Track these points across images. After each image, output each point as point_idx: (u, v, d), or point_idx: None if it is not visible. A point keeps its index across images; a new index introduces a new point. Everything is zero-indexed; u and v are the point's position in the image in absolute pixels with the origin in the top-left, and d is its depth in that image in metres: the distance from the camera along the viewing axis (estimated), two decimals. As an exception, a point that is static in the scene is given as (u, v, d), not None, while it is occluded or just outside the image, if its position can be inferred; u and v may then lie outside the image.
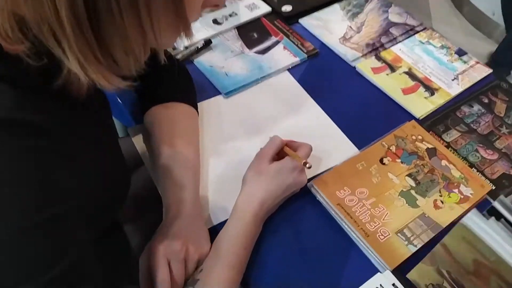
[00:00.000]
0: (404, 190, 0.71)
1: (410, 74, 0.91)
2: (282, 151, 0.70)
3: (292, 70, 0.91)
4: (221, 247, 0.61)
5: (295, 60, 0.91)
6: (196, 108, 0.77)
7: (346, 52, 0.94)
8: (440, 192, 0.71)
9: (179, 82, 0.77)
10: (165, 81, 0.75)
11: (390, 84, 0.88)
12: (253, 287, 0.62)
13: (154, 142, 0.71)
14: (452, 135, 0.81)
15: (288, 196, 0.68)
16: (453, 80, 0.91)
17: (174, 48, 0.90)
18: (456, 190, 0.72)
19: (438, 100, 0.87)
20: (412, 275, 0.61)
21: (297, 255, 0.65)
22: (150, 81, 0.74)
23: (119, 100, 0.82)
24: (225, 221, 0.64)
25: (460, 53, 0.96)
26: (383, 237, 0.65)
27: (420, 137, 0.78)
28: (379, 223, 0.67)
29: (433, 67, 0.93)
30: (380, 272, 0.62)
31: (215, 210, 0.69)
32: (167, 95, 0.74)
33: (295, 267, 0.64)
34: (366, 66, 0.92)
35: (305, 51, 0.93)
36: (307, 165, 0.65)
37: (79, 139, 0.48)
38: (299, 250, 0.66)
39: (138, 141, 0.77)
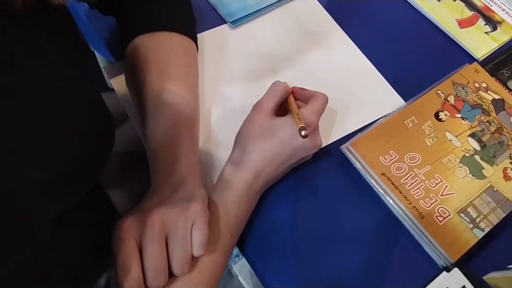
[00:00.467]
0: (467, 155, 0.55)
1: (467, 1, 0.71)
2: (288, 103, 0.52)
3: (317, -8, 0.70)
4: None
5: (321, -21, 0.70)
6: (195, 41, 0.57)
7: (387, -29, 0.73)
8: (510, 157, 0.55)
9: (172, 5, 0.56)
10: (152, 2, 0.55)
11: (443, 14, 0.69)
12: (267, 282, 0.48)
13: (138, 85, 0.52)
14: (520, 83, 0.64)
15: (295, 164, 0.51)
16: (519, 10, 0.71)
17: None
18: (530, 156, 0.56)
19: (502, 37, 0.68)
20: (495, 281, 0.46)
21: (322, 240, 0.50)
22: (132, 3, 0.55)
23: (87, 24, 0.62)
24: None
25: (527, -25, 0.76)
26: (442, 218, 0.50)
27: (484, 85, 0.61)
28: (436, 200, 0.51)
29: (495, -7, 0.73)
30: (441, 266, 0.48)
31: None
32: (155, 22, 0.54)
33: (319, 255, 0.49)
34: (411, -10, 0.71)
35: (334, -33, 0.72)
36: (302, 133, 0.45)
37: (23, 71, 0.31)
38: (326, 233, 0.51)
39: (118, 85, 0.59)
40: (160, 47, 0.53)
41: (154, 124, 0.50)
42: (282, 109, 0.52)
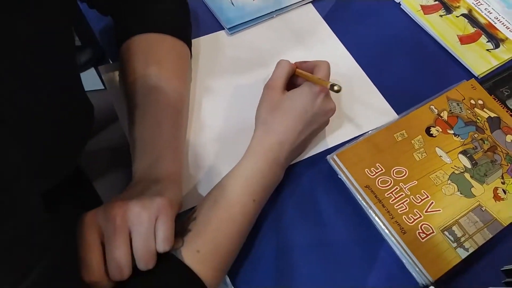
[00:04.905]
0: (456, 172, 0.53)
1: (470, 17, 0.70)
2: (295, 78, 0.55)
3: (317, 2, 0.70)
4: (224, 194, 0.46)
5: (322, -10, 0.70)
6: (189, 45, 0.58)
7: (389, -16, 0.73)
8: (502, 177, 0.54)
9: (170, 8, 0.57)
10: (149, 4, 0.56)
11: (444, 29, 0.68)
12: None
13: (129, 81, 0.53)
14: (520, 102, 0.62)
15: (316, 132, 0.55)
16: (524, 29, 0.70)
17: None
18: (524, 177, 0.54)
19: (504, 55, 0.67)
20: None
21: (305, 250, 0.49)
22: (130, 3, 0.56)
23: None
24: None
25: (535, -6, 0.75)
26: (424, 235, 0.49)
27: (480, 102, 0.60)
28: (420, 216, 0.50)
29: (500, 10, 0.72)
30: (421, 284, 0.47)
31: (209, 177, 0.53)
32: (150, 23, 0.55)
33: (299, 264, 0.49)
34: (414, 3, 0.71)
35: (337, -21, 0.72)
36: (335, 88, 0.48)
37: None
38: (310, 245, 0.50)
39: (111, 84, 0.60)
40: (153, 48, 0.54)
41: (140, 123, 0.50)
42: (289, 86, 0.54)
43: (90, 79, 0.74)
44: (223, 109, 0.58)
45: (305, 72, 0.54)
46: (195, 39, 0.64)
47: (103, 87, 0.65)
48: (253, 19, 0.66)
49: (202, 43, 0.64)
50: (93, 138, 0.76)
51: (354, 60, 0.64)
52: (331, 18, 0.69)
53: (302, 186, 0.54)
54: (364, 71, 0.63)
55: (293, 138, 0.50)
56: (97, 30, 0.65)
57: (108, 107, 0.62)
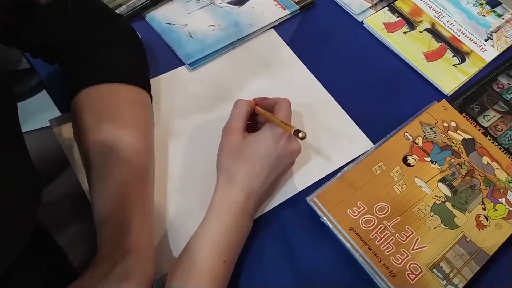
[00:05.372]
0: (438, 202, 0.52)
1: (434, 32, 0.70)
2: (255, 117, 0.53)
3: (279, 27, 0.67)
4: (191, 260, 0.43)
5: (283, 13, 0.68)
6: (148, 89, 0.53)
7: (351, 3, 0.71)
8: (483, 203, 0.53)
9: (121, 53, 0.52)
10: (100, 51, 0.51)
11: (410, 47, 0.67)
12: None
13: (83, 143, 0.48)
14: (490, 118, 0.62)
15: (282, 175, 0.52)
16: (486, 40, 0.70)
17: (115, -2, 0.64)
18: (503, 200, 0.54)
19: (470, 69, 0.66)
20: None
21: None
22: (77, 51, 0.51)
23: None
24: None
25: (493, 3, 0.75)
26: (414, 276, 0.47)
27: (453, 124, 0.59)
28: (407, 255, 0.48)
29: (462, 22, 0.72)
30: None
31: (178, 236, 0.49)
32: (100, 73, 0.50)
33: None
34: (377, 21, 0.69)
35: (297, 0, 0.69)
36: (300, 135, 0.45)
37: None
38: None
39: (62, 133, 0.55)
40: (105, 101, 0.49)
41: (101, 188, 0.46)
42: (249, 125, 0.53)
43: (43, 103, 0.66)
44: (189, 154, 0.55)
45: (265, 112, 0.51)
46: (155, 78, 0.59)
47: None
48: (214, 52, 0.62)
49: (162, 82, 0.60)
50: (49, 186, 0.70)
51: (322, 86, 0.62)
52: (294, 42, 0.66)
53: (283, 231, 0.51)
54: (333, 97, 0.61)
55: (259, 185, 0.47)
56: (44, 77, 0.59)
57: (57, 148, 0.56)
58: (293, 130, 0.45)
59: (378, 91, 0.63)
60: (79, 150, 0.52)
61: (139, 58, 0.54)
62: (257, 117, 0.53)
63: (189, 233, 0.46)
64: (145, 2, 0.64)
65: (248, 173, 0.47)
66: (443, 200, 0.53)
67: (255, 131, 0.51)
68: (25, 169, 0.39)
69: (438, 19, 0.71)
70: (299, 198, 0.53)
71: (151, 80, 0.55)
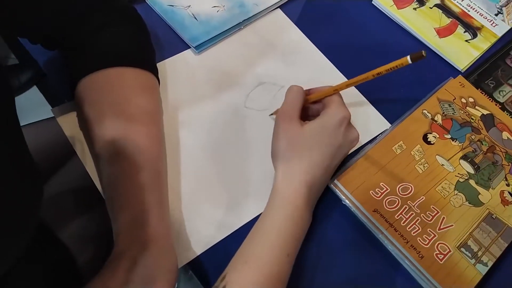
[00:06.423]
0: (461, 180, 0.51)
1: (444, 8, 0.68)
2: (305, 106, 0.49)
3: (285, 7, 0.65)
4: (255, 253, 0.41)
5: (289, -8, 0.65)
6: (155, 73, 0.51)
7: (358, -21, 0.68)
8: (506, 179, 0.52)
9: (126, 36, 0.49)
10: (103, 33, 0.48)
11: (421, 23, 0.65)
12: None
13: (91, 133, 0.45)
14: (506, 93, 0.61)
15: (341, 161, 0.48)
16: (496, 15, 0.68)
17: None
18: (526, 175, 0.52)
19: (483, 44, 0.65)
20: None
21: (317, 284, 0.45)
22: (80, 35, 0.48)
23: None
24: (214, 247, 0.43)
25: (500, -24, 0.73)
26: (442, 256, 0.46)
27: (471, 100, 0.57)
28: (434, 235, 0.47)
29: (471, -4, 0.70)
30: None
31: (195, 232, 0.47)
32: (105, 57, 0.47)
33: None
34: (385, -1, 0.67)
35: (302, -22, 0.67)
36: (424, 52, 0.38)
37: None
38: (320, 278, 0.46)
39: (66, 123, 0.52)
40: (113, 87, 0.46)
41: (113, 179, 0.43)
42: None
43: (34, 100, 0.63)
44: (203, 143, 0.52)
45: (323, 92, 0.48)
46: (160, 63, 0.57)
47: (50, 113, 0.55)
48: (220, 34, 0.59)
49: (168, 67, 0.57)
50: (50, 180, 0.67)
51: (334, 66, 0.60)
52: (302, 22, 0.64)
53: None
54: (346, 77, 0.59)
55: (320, 176, 0.45)
56: (41, 63, 0.56)
57: (60, 139, 0.53)
58: (409, 56, 0.39)
59: (393, 71, 0.61)
60: (86, 141, 0.49)
61: (144, 40, 0.52)
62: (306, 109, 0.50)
63: (205, 222, 0.44)
64: (145, -17, 0.60)
65: (310, 163, 0.44)
66: (466, 177, 0.51)
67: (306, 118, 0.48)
68: (24, 163, 0.36)
69: (447, -6, 0.69)
70: (318, 182, 0.51)
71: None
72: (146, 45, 0.52)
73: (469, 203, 0.49)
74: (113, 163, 0.44)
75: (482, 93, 0.59)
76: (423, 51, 0.38)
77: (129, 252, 0.39)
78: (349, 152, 0.49)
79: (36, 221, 0.38)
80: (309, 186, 0.44)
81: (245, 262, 0.40)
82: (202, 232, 0.46)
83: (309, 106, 0.50)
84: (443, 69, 0.62)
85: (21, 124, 0.52)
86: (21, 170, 0.34)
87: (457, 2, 0.68)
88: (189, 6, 0.61)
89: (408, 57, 0.39)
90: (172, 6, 0.61)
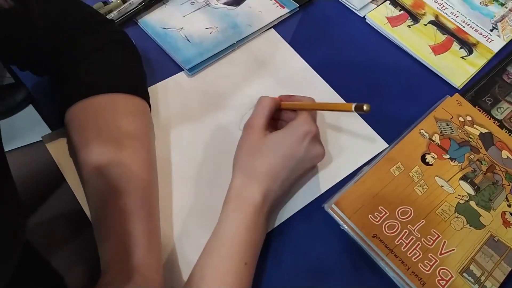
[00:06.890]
0: (461, 202, 0.50)
1: (439, 24, 0.67)
2: (278, 115, 0.51)
3: (279, 26, 0.64)
4: (210, 263, 0.40)
5: (282, 12, 0.65)
6: (146, 98, 0.50)
7: (351, -3, 0.68)
8: (507, 199, 0.51)
9: (115, 61, 0.49)
10: (92, 58, 0.47)
11: (415, 41, 0.64)
12: None
13: (81, 161, 0.44)
14: (504, 110, 0.60)
15: (301, 177, 0.49)
16: (491, 30, 0.68)
17: (105, 3, 0.61)
18: (527, 195, 0.51)
19: (479, 61, 0.64)
20: None
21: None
22: (69, 61, 0.47)
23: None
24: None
25: (494, -9, 0.73)
26: (444, 282, 0.45)
27: (469, 118, 0.56)
28: (436, 261, 0.46)
29: (465, 13, 0.69)
30: None
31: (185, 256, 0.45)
32: (94, 84, 0.46)
33: None
34: (379, 16, 0.67)
35: (296, -2, 0.66)
36: (365, 107, 0.40)
37: None
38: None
39: (56, 149, 0.51)
40: (102, 113, 0.45)
41: (99, 208, 0.42)
42: (273, 124, 0.50)
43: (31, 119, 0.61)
44: (197, 167, 0.51)
45: (295, 103, 0.49)
46: (152, 86, 0.56)
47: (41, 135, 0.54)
48: (213, 55, 0.59)
49: (161, 90, 0.56)
50: (41, 207, 0.66)
51: (328, 86, 0.59)
52: (296, 41, 0.63)
53: (301, 243, 0.48)
54: (341, 97, 0.58)
55: (276, 187, 0.45)
56: (30, 87, 0.55)
57: (50, 164, 0.52)
58: (354, 105, 0.41)
59: (386, 88, 0.60)
60: (76, 168, 0.48)
61: (135, 64, 0.51)
62: (281, 115, 0.50)
63: (199, 246, 0.43)
64: (137, 6, 0.60)
65: (267, 173, 0.44)
66: (466, 199, 0.50)
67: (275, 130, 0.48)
68: (8, 197, 0.35)
69: (441, 10, 0.69)
70: (313, 206, 0.50)
71: (148, 88, 0.51)
72: (137, 70, 0.51)
73: (470, 226, 0.48)
74: (99, 190, 0.43)
75: (480, 111, 0.58)
76: (365, 105, 0.40)
77: (114, 283, 0.37)
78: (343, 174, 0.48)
79: (20, 248, 0.37)
80: (264, 195, 0.43)
81: (201, 278, 0.39)
82: (195, 262, 0.45)
83: (283, 112, 0.50)
84: (439, 87, 0.61)
85: (17, 146, 0.51)
86: (2, 196, 0.33)
87: (452, 18, 0.68)
88: (182, 28, 0.60)
89: (353, 105, 0.41)
90: (165, 28, 0.60)
